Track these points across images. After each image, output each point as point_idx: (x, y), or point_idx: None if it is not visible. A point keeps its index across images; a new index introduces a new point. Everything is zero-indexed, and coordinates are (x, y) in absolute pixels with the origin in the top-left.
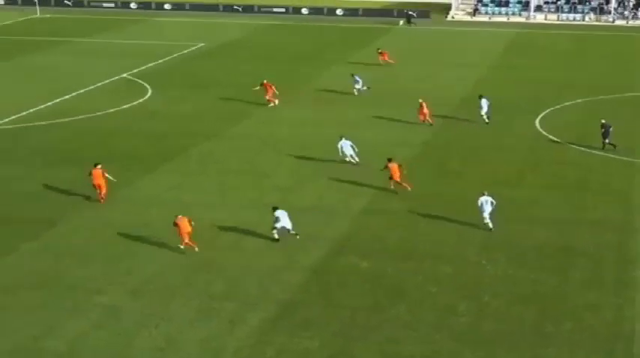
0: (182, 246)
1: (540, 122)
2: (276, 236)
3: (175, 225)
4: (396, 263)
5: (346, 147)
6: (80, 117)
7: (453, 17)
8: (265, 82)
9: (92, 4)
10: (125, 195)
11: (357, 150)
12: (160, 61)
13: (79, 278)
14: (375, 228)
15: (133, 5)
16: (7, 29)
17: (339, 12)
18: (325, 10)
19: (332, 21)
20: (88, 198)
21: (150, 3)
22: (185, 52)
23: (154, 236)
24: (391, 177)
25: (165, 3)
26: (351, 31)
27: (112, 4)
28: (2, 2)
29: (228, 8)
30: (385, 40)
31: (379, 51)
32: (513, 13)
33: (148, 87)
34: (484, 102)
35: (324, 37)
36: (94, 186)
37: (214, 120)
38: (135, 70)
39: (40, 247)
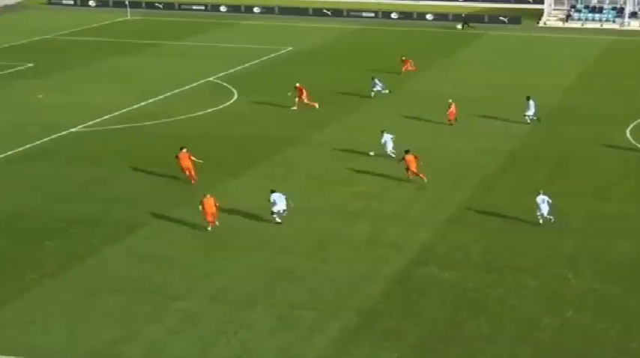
0: (209, 228)
1: (631, 132)
2: (278, 220)
3: (201, 204)
4: (478, 274)
5: (389, 141)
6: (167, 120)
7: (544, 23)
8: (298, 85)
9: (182, 6)
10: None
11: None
12: (247, 65)
13: (159, 284)
14: (458, 239)
15: (222, 8)
16: (98, 31)
17: (428, 17)
18: (415, 15)
19: (421, 25)
20: (170, 202)
21: (239, 6)
22: (273, 55)
23: (235, 241)
24: (408, 169)
25: (255, 6)
26: (439, 36)
27: (202, 7)
28: (93, 4)
29: (318, 12)
30: (474, 45)
31: (403, 59)
32: (607, 20)
33: (234, 91)
34: (531, 104)
35: (412, 42)
36: (182, 169)
37: (300, 125)
38: (222, 74)
39: (121, 251)
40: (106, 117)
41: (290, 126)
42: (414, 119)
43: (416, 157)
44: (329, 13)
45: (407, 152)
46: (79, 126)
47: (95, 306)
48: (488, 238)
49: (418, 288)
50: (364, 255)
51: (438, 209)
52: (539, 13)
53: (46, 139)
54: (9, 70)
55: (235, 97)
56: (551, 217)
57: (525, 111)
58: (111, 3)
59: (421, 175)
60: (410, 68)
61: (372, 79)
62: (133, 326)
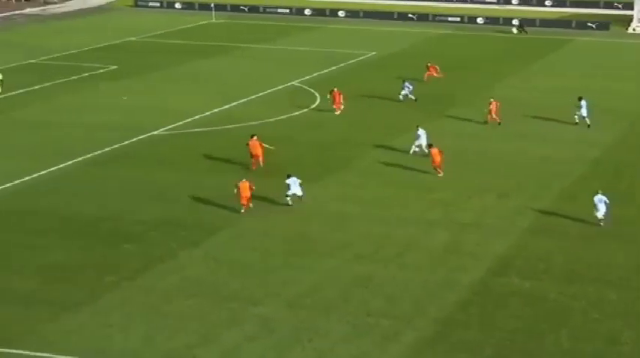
0: (242, 211)
1: None
2: (290, 203)
3: (236, 187)
4: (559, 286)
5: (422, 136)
6: (249, 124)
7: (634, 29)
8: (335, 90)
9: (267, 10)
10: (288, 205)
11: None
12: (331, 69)
13: (237, 288)
14: (539, 249)
15: (307, 12)
16: (182, 34)
17: (515, 22)
18: (501, 20)
19: (507, 31)
20: (253, 206)
21: (324, 10)
22: (356, 60)
23: (312, 248)
24: (433, 162)
25: (340, 10)
26: (525, 41)
27: (287, 10)
28: (179, 7)
29: (403, 16)
30: (561, 52)
31: (428, 65)
32: None
33: (316, 95)
34: (583, 104)
35: (497, 48)
36: (251, 155)
37: (380, 130)
38: (305, 78)
39: (199, 255)
40: (188, 120)
41: (371, 132)
42: (497, 126)
43: (440, 152)
44: (414, 17)
45: (430, 146)
46: (161, 129)
47: (172, 310)
48: (569, 248)
49: (496, 298)
50: (442, 264)
51: (518, 218)
52: (629, 19)
53: (128, 142)
54: (94, 72)
55: (318, 102)
56: (603, 218)
57: (577, 111)
58: (196, 6)
59: (439, 169)
60: (435, 74)
61: (403, 81)
62: (210, 330)
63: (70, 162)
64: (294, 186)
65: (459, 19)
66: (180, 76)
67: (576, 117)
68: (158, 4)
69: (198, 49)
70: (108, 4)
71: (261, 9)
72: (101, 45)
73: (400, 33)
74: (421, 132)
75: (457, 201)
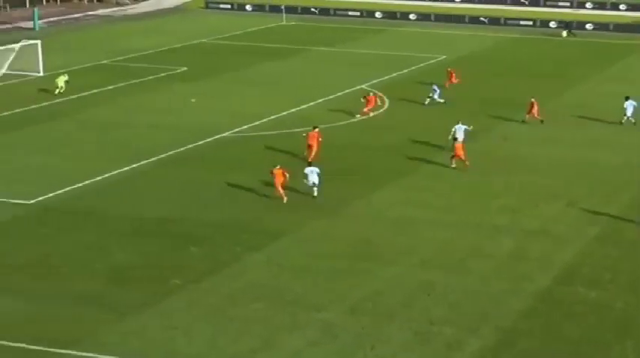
0: (281, 195)
1: None
2: (315, 193)
3: (271, 173)
4: (626, 296)
5: (460, 131)
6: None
7: None
8: (371, 94)
9: (338, 12)
10: (353, 210)
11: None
12: (400, 73)
13: (300, 293)
14: (606, 257)
15: (378, 14)
16: (252, 36)
17: (588, 26)
18: (574, 25)
19: (581, 35)
20: (315, 210)
21: (395, 13)
22: (426, 64)
23: (376, 253)
24: (453, 156)
25: (411, 13)
26: (599, 46)
27: (358, 13)
28: (250, 9)
29: (474, 20)
30: (635, 57)
31: (448, 70)
32: None
33: (385, 99)
34: (629, 104)
35: (569, 52)
36: (308, 146)
37: (449, 135)
38: (374, 81)
39: (263, 258)
40: (257, 122)
41: (440, 137)
42: (570, 132)
43: (463, 146)
44: (486, 20)
45: (455, 139)
46: (230, 131)
47: (236, 314)
48: (637, 258)
49: (562, 308)
50: (507, 271)
51: (586, 225)
52: None
53: (197, 144)
54: (163, 74)
55: (387, 106)
56: None
57: (624, 112)
58: (267, 8)
59: (455, 161)
60: (454, 81)
61: (431, 84)
62: (273, 335)
63: (138, 164)
64: (312, 175)
65: (530, 22)
66: (249, 78)
67: (624, 119)
68: (229, 6)
69: (268, 51)
70: (179, 5)
71: (331, 12)
72: (171, 46)
73: (471, 36)
74: (460, 127)
75: (524, 207)
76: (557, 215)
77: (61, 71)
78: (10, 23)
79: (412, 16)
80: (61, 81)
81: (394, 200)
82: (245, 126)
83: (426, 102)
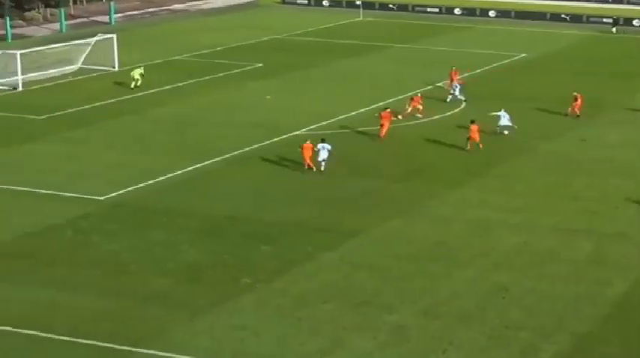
0: (313, 168)
1: None
2: (322, 168)
3: (300, 147)
4: None
5: (504, 118)
6: (392, 125)
7: None
8: (418, 94)
9: (416, 8)
10: (427, 210)
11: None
12: (478, 71)
13: (371, 294)
14: None
15: (457, 11)
16: (329, 32)
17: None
18: (621, 21)
19: (608, 31)
20: (389, 209)
21: (474, 9)
22: (505, 62)
23: (450, 255)
24: (469, 138)
25: (490, 10)
26: None
27: (437, 9)
28: (327, 4)
29: (556, 17)
30: None
31: (453, 68)
32: None
33: (462, 97)
34: None
35: None
36: (380, 125)
37: (526, 135)
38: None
39: (335, 258)
40: (331, 120)
41: (518, 136)
42: None
43: (479, 129)
44: (567, 18)
45: (472, 122)
46: (303, 130)
47: (306, 314)
48: None
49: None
50: (584, 275)
51: None
52: None
53: (269, 141)
54: (238, 70)
55: (463, 105)
56: None
57: None
58: (344, 3)
59: (480, 144)
60: (457, 81)
61: (451, 82)
62: (342, 336)
63: (210, 161)
64: (323, 151)
65: (611, 20)
66: (325, 75)
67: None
68: (306, 2)
69: (344, 48)
70: (256, 1)
71: (410, 8)
72: (247, 42)
73: (552, 34)
74: (502, 113)
75: (603, 210)
76: (636, 218)
77: (137, 65)
78: (87, 17)
79: (492, 13)
80: (137, 73)
81: (469, 201)
82: (319, 124)
83: (448, 100)
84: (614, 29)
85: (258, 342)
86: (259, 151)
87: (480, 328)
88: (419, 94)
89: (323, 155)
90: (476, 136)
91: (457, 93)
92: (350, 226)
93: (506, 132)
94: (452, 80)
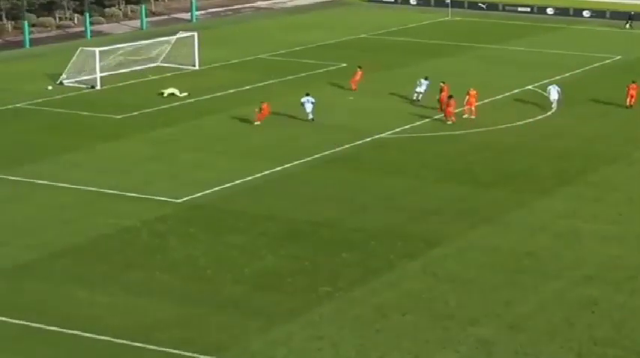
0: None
1: None
2: (310, 117)
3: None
4: None
5: (554, 91)
6: (480, 129)
7: None
8: (473, 92)
9: (507, 8)
10: (515, 219)
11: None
12: (571, 74)
13: (454, 306)
14: None
15: (549, 11)
16: (415, 31)
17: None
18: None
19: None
20: (475, 218)
21: (568, 9)
22: (600, 64)
23: (538, 266)
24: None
25: (584, 9)
26: None
27: (528, 9)
28: (414, 2)
29: None
30: None
31: (441, 85)
32: None
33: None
34: None
35: None
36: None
37: (621, 142)
38: (543, 82)
39: (418, 268)
40: (417, 123)
41: (610, 144)
42: None
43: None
44: None
45: (451, 97)
46: (388, 132)
47: (386, 325)
48: None
49: None
50: None
51: None
52: None
53: (353, 144)
54: (321, 70)
55: (554, 109)
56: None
57: None
58: (432, 2)
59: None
60: (444, 100)
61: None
62: (423, 350)
63: (291, 164)
64: (307, 105)
65: None
66: (409, 76)
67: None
68: (392, 0)
69: (430, 48)
70: None
71: (500, 7)
72: (330, 42)
73: None
74: (553, 88)
75: None
76: None
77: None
78: (168, 14)
79: (586, 13)
80: (167, 93)
81: (559, 210)
82: (404, 127)
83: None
84: (627, 25)
85: (336, 353)
86: (342, 154)
87: (568, 343)
88: (473, 90)
89: (308, 108)
90: (450, 110)
91: (422, 89)
92: (434, 234)
93: (554, 106)
94: (442, 98)
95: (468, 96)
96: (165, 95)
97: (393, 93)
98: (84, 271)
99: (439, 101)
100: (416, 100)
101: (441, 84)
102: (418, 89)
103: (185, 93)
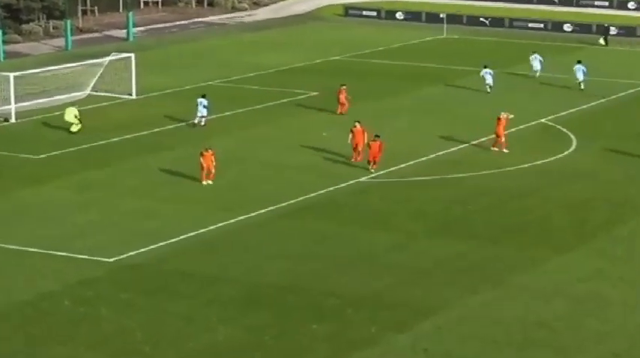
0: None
1: None
2: (195, 122)
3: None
4: None
5: (579, 71)
6: (483, 172)
7: None
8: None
9: (515, 23)
10: (525, 281)
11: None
12: (594, 104)
13: None
14: None
15: (567, 27)
16: (404, 53)
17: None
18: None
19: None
20: (476, 281)
21: (590, 25)
22: (631, 91)
23: (553, 340)
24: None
25: (610, 26)
26: None
27: (540, 25)
28: (401, 17)
29: None
30: None
31: (342, 87)
32: None
33: (572, 137)
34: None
35: None
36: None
37: None
38: (559, 114)
39: (406, 343)
40: (403, 165)
41: None
42: None
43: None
44: None
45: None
46: (369, 176)
47: None
48: None
49: None
50: None
51: None
52: None
53: (327, 190)
54: (288, 99)
55: (574, 146)
56: None
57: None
58: (423, 16)
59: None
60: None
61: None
62: None
63: (254, 213)
64: (201, 107)
65: None
66: (396, 107)
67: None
68: (374, 14)
69: (423, 72)
70: (311, 12)
71: (506, 22)
72: (300, 65)
73: None
74: (579, 67)
75: None
76: None
77: (72, 107)
78: (99, 31)
79: (613, 30)
80: (70, 115)
81: (579, 270)
82: (389, 169)
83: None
84: (601, 40)
85: None
86: (315, 201)
87: None
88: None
89: (202, 111)
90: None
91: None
92: (425, 301)
93: (582, 86)
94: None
95: (500, 124)
96: (72, 124)
97: (375, 128)
98: None
99: (496, 134)
100: (488, 92)
101: (506, 114)
102: (487, 80)
103: (76, 127)
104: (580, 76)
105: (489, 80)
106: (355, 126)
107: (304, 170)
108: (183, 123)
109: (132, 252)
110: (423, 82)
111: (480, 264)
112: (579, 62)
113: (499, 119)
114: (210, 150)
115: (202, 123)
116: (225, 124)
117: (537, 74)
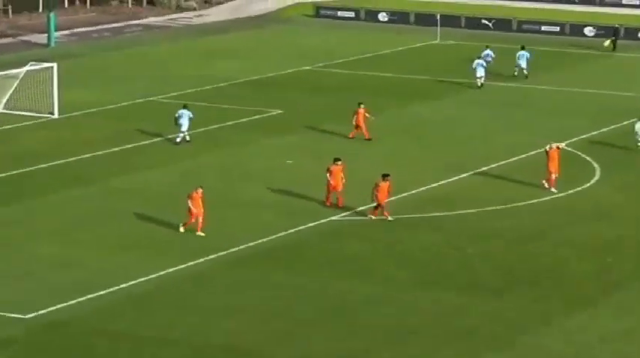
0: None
1: None
2: (179, 139)
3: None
4: None
5: (522, 58)
6: (485, 209)
7: None
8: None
9: (524, 26)
10: (537, 341)
11: None
12: (619, 125)
13: None
14: None
15: (588, 31)
16: (388, 62)
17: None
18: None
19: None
20: (479, 341)
21: (617, 28)
22: None
23: None
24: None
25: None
26: None
27: (556, 28)
28: (385, 18)
29: None
30: None
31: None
32: None
33: (595, 165)
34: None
35: None
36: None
37: None
38: (579, 137)
39: None
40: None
41: None
42: None
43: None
44: None
45: (386, 176)
46: (343, 214)
47: None
48: None
49: None
50: None
51: None
52: None
53: (291, 231)
54: (246, 119)
55: (597, 176)
56: None
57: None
58: (412, 17)
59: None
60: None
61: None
62: None
63: (199, 260)
64: (184, 119)
65: None
66: (378, 128)
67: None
68: (352, 14)
69: (411, 86)
70: (273, 12)
71: (513, 25)
72: (261, 77)
73: None
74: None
75: None
76: None
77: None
78: (13, 36)
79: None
80: None
81: (603, 328)
82: (368, 206)
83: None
84: (606, 42)
85: None
86: (277, 245)
87: None
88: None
89: (185, 125)
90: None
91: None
92: None
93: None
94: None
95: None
96: None
97: (350, 155)
98: None
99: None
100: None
101: (556, 145)
102: (520, 63)
103: None
104: (523, 63)
105: (524, 64)
106: (336, 165)
107: (264, 206)
108: (116, 149)
109: (52, 307)
110: (410, 98)
111: (481, 320)
112: (523, 48)
113: (548, 152)
114: (200, 189)
115: (187, 139)
116: (169, 150)
117: (525, 72)
